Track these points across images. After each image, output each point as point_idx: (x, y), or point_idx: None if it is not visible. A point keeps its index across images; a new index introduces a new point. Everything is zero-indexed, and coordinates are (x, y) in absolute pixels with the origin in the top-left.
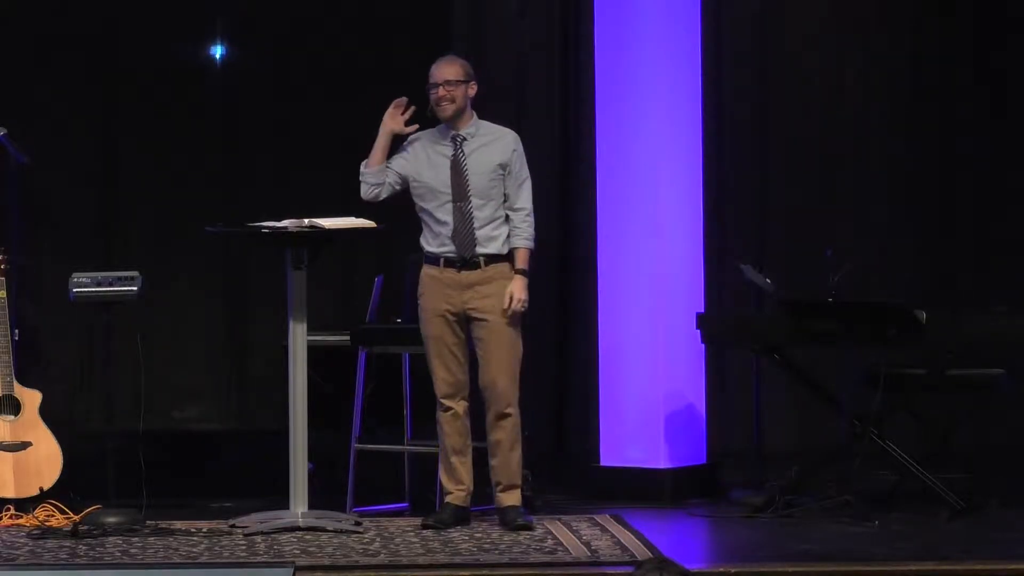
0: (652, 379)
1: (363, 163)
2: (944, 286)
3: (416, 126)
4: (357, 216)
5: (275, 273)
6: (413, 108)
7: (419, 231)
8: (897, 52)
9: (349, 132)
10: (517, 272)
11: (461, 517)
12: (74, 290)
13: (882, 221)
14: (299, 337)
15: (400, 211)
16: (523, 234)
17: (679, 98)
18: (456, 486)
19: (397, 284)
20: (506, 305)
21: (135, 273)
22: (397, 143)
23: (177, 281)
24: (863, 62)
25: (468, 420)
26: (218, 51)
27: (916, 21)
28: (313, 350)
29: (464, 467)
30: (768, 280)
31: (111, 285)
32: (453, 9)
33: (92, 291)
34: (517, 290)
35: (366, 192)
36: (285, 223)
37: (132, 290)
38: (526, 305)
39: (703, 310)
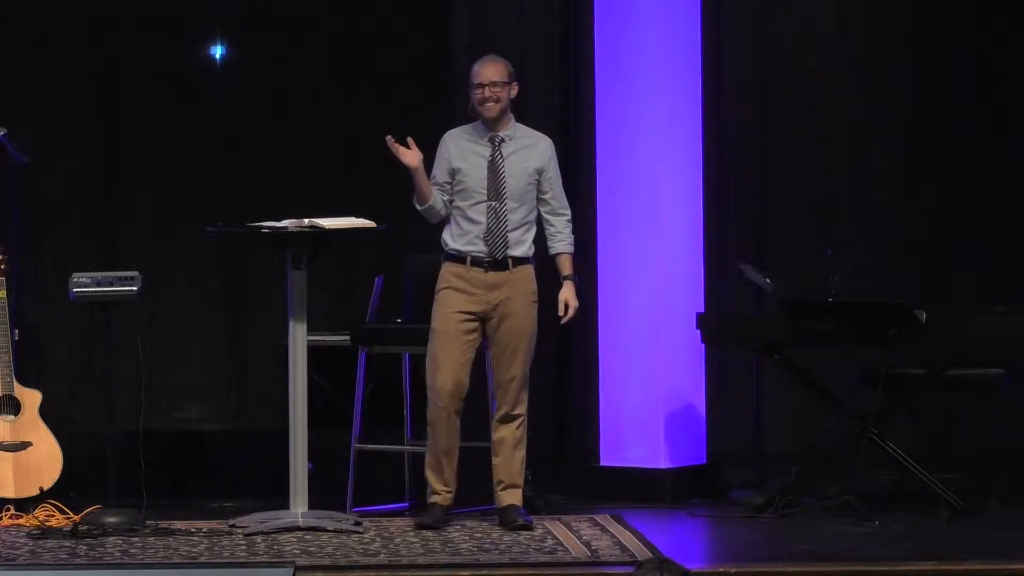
0: (652, 379)
1: (415, 203)
2: (944, 286)
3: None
4: (357, 216)
5: (275, 273)
6: (408, 139)
7: (420, 231)
8: (897, 52)
9: (349, 132)
10: (567, 279)
11: (446, 519)
12: (74, 290)
13: (882, 221)
14: (299, 337)
15: (401, 211)
16: (567, 239)
17: (679, 98)
18: (444, 487)
19: (397, 284)
20: (561, 312)
21: (135, 273)
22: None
23: (177, 281)
24: (863, 62)
25: (459, 423)
26: (218, 51)
27: (916, 21)
28: (313, 350)
29: (451, 469)
30: (768, 280)
31: (111, 285)
32: (453, 10)
33: (92, 291)
34: (571, 298)
35: (434, 219)
36: (285, 223)
37: (132, 290)
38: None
39: (703, 310)
